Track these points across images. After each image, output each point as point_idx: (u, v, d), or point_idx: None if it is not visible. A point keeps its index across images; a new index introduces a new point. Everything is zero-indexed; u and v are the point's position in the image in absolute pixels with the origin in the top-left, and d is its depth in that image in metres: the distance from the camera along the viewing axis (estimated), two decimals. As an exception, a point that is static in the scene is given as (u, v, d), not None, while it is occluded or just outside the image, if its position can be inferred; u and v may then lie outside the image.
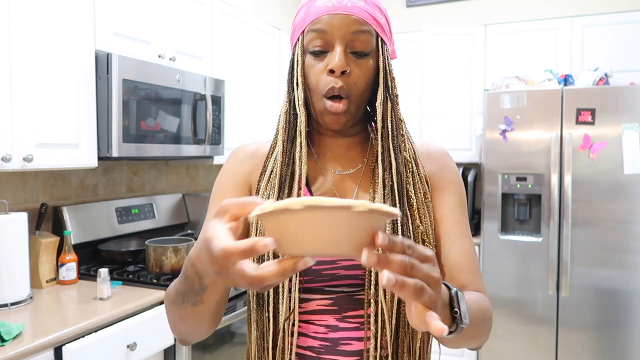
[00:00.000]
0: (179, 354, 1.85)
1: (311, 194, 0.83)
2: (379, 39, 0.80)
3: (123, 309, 1.67)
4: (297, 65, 0.80)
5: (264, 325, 0.80)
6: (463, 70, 3.29)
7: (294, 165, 0.81)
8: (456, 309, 0.60)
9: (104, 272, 1.75)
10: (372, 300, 0.76)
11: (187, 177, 2.96)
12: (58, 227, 2.08)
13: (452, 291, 0.61)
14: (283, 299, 0.77)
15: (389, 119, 0.81)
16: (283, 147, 0.81)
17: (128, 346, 1.63)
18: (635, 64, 2.97)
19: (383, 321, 0.76)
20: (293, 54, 0.82)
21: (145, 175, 2.64)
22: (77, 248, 2.06)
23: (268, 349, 0.79)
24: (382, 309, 0.76)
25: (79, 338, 1.50)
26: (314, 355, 0.78)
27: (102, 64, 1.91)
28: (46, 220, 2.07)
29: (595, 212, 2.70)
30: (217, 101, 2.46)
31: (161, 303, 1.82)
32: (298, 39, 0.81)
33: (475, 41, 3.28)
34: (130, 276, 2.00)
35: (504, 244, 2.89)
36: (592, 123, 2.68)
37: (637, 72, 2.95)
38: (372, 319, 0.76)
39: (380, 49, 0.80)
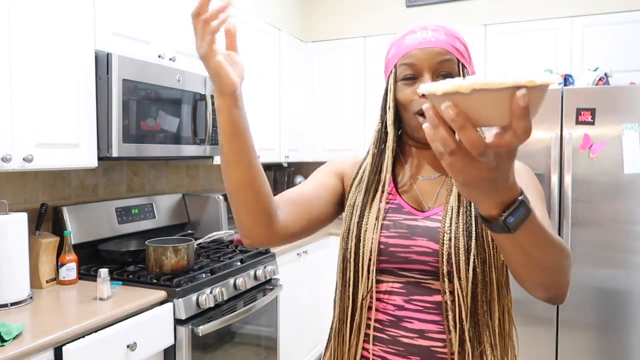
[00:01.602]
0: (179, 354, 1.85)
1: (400, 195, 0.98)
2: (460, 64, 0.94)
3: (123, 309, 1.67)
4: (390, 92, 0.97)
5: (344, 302, 0.96)
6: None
7: (381, 173, 0.98)
8: (507, 211, 0.60)
9: (104, 272, 1.75)
10: (447, 291, 0.88)
11: (187, 177, 2.96)
12: (58, 227, 2.08)
13: (520, 196, 0.61)
14: (362, 279, 0.93)
15: None
16: (372, 159, 1.00)
17: (128, 346, 1.63)
18: (635, 64, 2.97)
19: (457, 310, 0.87)
20: (387, 83, 0.99)
21: (145, 175, 2.64)
22: (77, 248, 2.06)
23: (346, 321, 0.95)
24: (458, 299, 0.87)
25: (79, 338, 1.50)
26: (381, 327, 0.93)
27: (102, 64, 1.91)
28: (46, 220, 2.07)
29: (595, 212, 2.70)
30: (217, 101, 2.45)
31: (161, 303, 1.82)
32: (391, 72, 0.97)
33: (475, 41, 3.28)
34: (130, 276, 2.00)
35: (504, 244, 2.89)
36: (592, 123, 2.68)
37: (637, 72, 2.95)
38: (449, 306, 0.88)
39: (461, 72, 0.95)
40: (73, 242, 2.04)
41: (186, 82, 2.24)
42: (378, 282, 0.95)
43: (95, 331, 1.55)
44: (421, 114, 0.91)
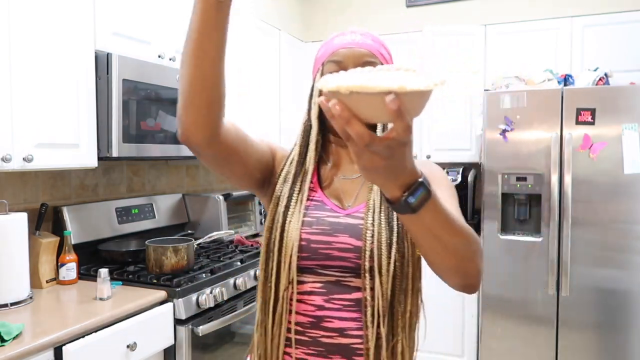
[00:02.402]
0: (179, 354, 1.85)
1: (323, 192, 1.00)
2: None
3: (123, 309, 1.67)
4: (316, 87, 1.00)
5: (266, 294, 0.97)
6: (463, 70, 3.29)
7: (305, 165, 1.00)
8: (407, 192, 0.64)
9: (104, 272, 1.75)
10: (367, 287, 0.90)
11: (187, 177, 2.96)
12: (58, 227, 2.08)
13: (420, 178, 0.65)
14: (284, 271, 0.94)
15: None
16: (299, 150, 1.02)
17: (128, 346, 1.63)
18: (635, 64, 2.97)
19: (376, 306, 0.90)
20: (313, 80, 1.03)
21: (145, 175, 2.64)
22: (77, 248, 2.06)
23: (269, 313, 0.96)
24: (376, 297, 0.90)
25: (79, 338, 1.50)
26: (302, 329, 0.95)
27: (102, 64, 1.91)
28: (46, 220, 2.07)
29: (595, 212, 2.70)
30: (217, 101, 2.46)
31: (161, 303, 1.82)
32: (318, 69, 1.01)
33: (475, 41, 3.28)
34: (130, 276, 2.00)
35: (504, 243, 2.89)
36: (592, 123, 2.68)
37: (637, 72, 2.95)
38: (368, 302, 0.91)
39: None
40: (73, 242, 2.04)
41: (186, 82, 2.24)
42: (299, 282, 0.96)
43: (95, 331, 1.55)
44: None
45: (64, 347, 1.44)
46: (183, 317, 1.85)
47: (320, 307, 0.94)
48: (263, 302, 0.98)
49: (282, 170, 1.01)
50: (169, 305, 1.83)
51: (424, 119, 3.35)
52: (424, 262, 0.94)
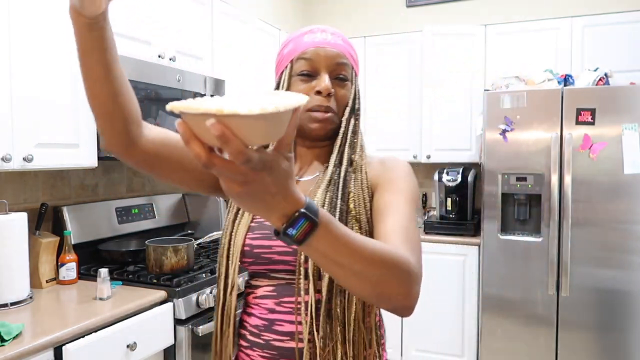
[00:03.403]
0: (179, 354, 1.85)
1: None
2: (353, 70, 0.99)
3: (123, 309, 1.67)
4: (283, 87, 0.96)
5: (218, 294, 0.99)
6: (463, 70, 3.29)
7: None
8: (286, 224, 0.59)
9: (104, 272, 1.75)
10: (302, 289, 0.89)
11: (187, 177, 2.95)
12: (58, 227, 2.08)
13: (302, 208, 0.59)
14: (231, 276, 0.97)
15: (350, 130, 0.98)
16: None
17: (128, 346, 1.63)
18: (635, 64, 2.97)
19: (316, 309, 0.89)
20: (280, 78, 0.98)
21: (145, 175, 2.64)
22: (77, 248, 2.06)
23: (218, 316, 0.98)
24: (311, 298, 0.89)
25: (79, 338, 1.50)
26: (257, 332, 0.95)
27: (102, 64, 1.90)
28: (46, 220, 2.07)
29: (595, 212, 2.70)
30: (217, 101, 2.45)
31: (161, 303, 1.82)
32: (286, 66, 0.96)
33: (475, 41, 3.28)
34: (130, 276, 2.00)
35: (504, 243, 2.89)
36: (592, 123, 2.68)
37: (637, 72, 2.95)
38: (304, 306, 0.90)
39: (353, 78, 0.99)
40: (73, 242, 2.04)
41: (186, 82, 2.24)
42: (254, 287, 0.98)
43: (95, 331, 1.55)
44: (315, 109, 0.93)
45: (64, 347, 1.44)
46: (183, 317, 1.85)
47: (272, 310, 0.94)
48: (216, 303, 1.00)
49: None
50: (169, 305, 1.83)
51: (424, 119, 3.36)
52: None
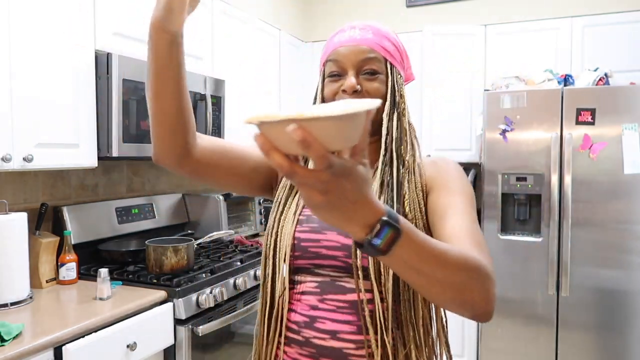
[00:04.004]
0: (179, 354, 1.85)
1: None
2: (388, 63, 0.95)
3: (123, 309, 1.67)
4: (319, 89, 0.99)
5: (264, 298, 0.97)
6: (463, 70, 3.29)
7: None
8: (370, 234, 0.57)
9: (104, 272, 1.75)
10: (362, 288, 0.87)
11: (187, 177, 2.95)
12: (58, 227, 2.08)
13: (384, 216, 0.57)
14: (279, 276, 0.94)
15: (394, 128, 0.95)
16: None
17: (128, 346, 1.63)
18: (635, 64, 2.97)
19: (377, 311, 0.86)
20: (322, 80, 0.99)
21: (145, 175, 2.64)
22: (77, 248, 2.06)
23: (264, 319, 0.97)
24: (378, 303, 0.86)
25: (79, 338, 1.50)
26: (297, 328, 0.93)
27: (102, 64, 1.91)
28: (46, 220, 2.07)
29: (595, 212, 2.70)
30: (217, 101, 2.46)
31: (161, 303, 1.82)
32: (321, 70, 0.99)
33: (475, 41, 3.28)
34: (130, 276, 2.00)
35: (504, 244, 2.89)
36: (592, 123, 2.68)
37: (637, 72, 2.95)
38: (365, 305, 0.87)
39: (390, 71, 0.95)
40: (73, 242, 2.04)
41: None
42: (295, 282, 0.95)
43: (95, 331, 1.55)
44: None
45: (64, 347, 1.44)
46: (183, 317, 1.85)
47: (314, 307, 0.91)
48: (262, 307, 0.98)
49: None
50: (169, 305, 1.83)
51: (424, 119, 3.36)
52: None
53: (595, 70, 2.86)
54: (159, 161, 0.90)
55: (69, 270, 1.97)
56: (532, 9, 3.30)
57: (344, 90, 0.92)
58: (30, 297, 1.76)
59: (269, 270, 0.95)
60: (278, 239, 0.94)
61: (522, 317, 2.85)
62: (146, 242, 2.03)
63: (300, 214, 0.95)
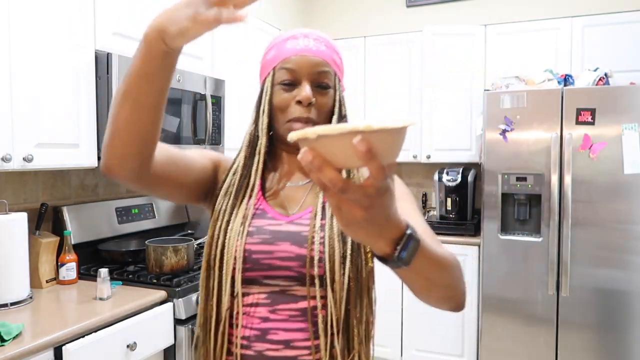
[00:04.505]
0: (179, 353, 1.85)
1: (266, 201, 0.96)
2: (336, 77, 0.96)
3: (123, 309, 1.67)
4: (266, 96, 0.94)
5: (208, 312, 0.93)
6: (463, 70, 3.29)
7: (250, 177, 0.96)
8: (398, 247, 0.59)
9: (104, 272, 1.75)
10: (317, 296, 0.87)
11: (187, 177, 2.95)
12: (58, 227, 2.08)
13: (407, 230, 0.59)
14: (225, 289, 0.90)
15: None
16: (244, 161, 0.97)
17: (128, 346, 1.63)
18: (635, 64, 2.97)
19: (329, 315, 0.87)
20: (263, 86, 0.96)
21: (145, 175, 2.64)
22: (77, 248, 2.06)
23: (210, 333, 0.92)
24: (330, 310, 0.87)
25: (78, 338, 1.50)
26: (247, 343, 0.90)
27: (102, 64, 1.91)
28: (46, 220, 2.07)
29: (595, 212, 2.70)
30: (217, 101, 2.46)
31: (161, 303, 1.82)
32: (269, 74, 0.95)
33: (475, 41, 3.28)
34: (130, 276, 2.00)
35: (504, 243, 2.89)
36: (592, 123, 2.68)
37: (637, 72, 2.95)
38: (318, 311, 0.88)
39: (337, 85, 0.96)
40: (73, 242, 2.04)
41: (186, 82, 2.24)
42: (243, 294, 0.92)
43: (95, 331, 1.55)
44: (295, 120, 0.91)
45: (63, 347, 1.44)
46: (183, 317, 1.85)
47: (265, 319, 0.90)
48: (204, 321, 0.94)
49: (224, 181, 0.97)
50: (169, 305, 1.83)
51: (424, 120, 3.35)
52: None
53: (595, 70, 2.86)
54: (113, 173, 0.82)
55: (69, 270, 1.97)
56: (532, 9, 3.30)
57: (298, 101, 0.91)
58: (30, 297, 1.76)
59: (214, 283, 0.92)
60: (225, 251, 0.91)
61: (522, 317, 2.85)
62: (146, 242, 2.03)
63: (249, 225, 0.92)
